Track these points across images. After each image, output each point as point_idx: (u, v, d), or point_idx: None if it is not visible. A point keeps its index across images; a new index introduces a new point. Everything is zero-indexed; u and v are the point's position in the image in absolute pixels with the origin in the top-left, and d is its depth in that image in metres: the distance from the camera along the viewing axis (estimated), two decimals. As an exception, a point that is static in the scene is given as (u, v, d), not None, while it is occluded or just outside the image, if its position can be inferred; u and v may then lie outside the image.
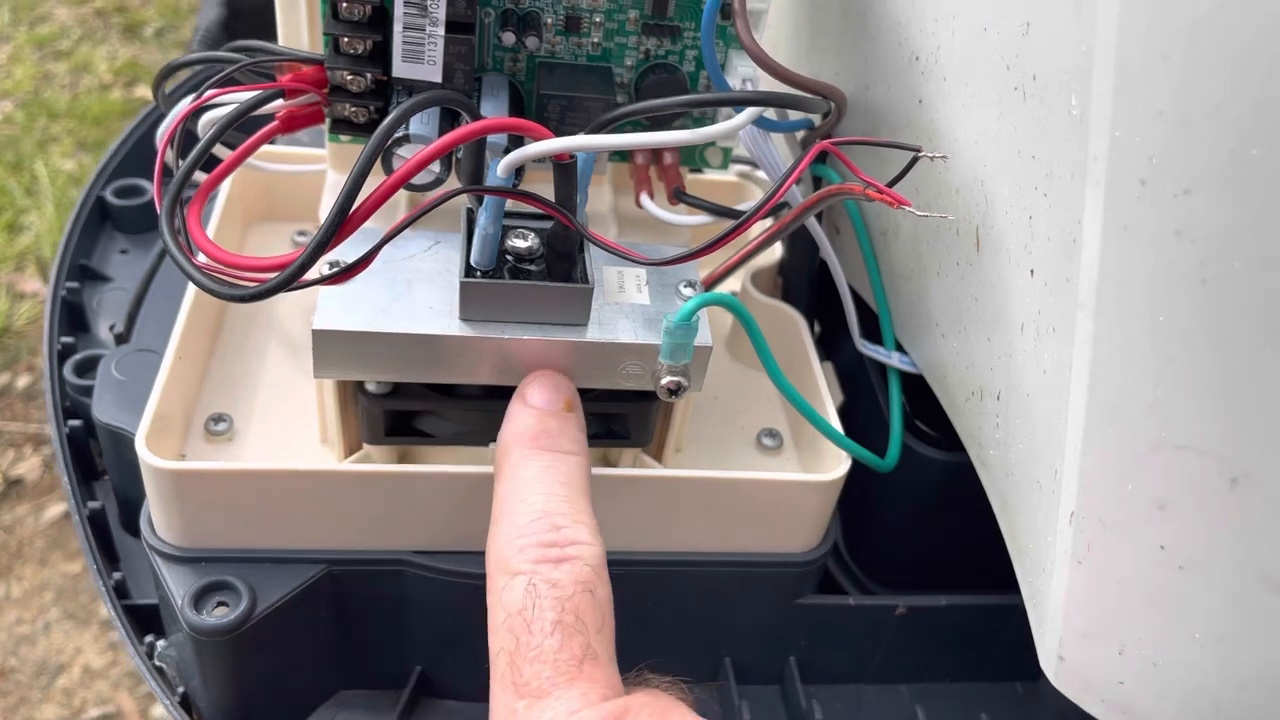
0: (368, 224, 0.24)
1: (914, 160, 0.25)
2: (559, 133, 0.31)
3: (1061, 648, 0.23)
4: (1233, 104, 0.16)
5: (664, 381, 0.28)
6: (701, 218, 0.32)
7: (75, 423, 0.34)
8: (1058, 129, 0.21)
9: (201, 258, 0.26)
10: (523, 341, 0.27)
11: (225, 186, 0.37)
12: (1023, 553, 0.26)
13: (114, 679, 0.80)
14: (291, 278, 0.24)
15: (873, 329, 0.35)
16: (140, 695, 0.79)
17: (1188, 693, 0.22)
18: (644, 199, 0.32)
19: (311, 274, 0.24)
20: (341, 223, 0.24)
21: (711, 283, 0.32)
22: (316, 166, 0.37)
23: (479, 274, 0.27)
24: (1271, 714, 0.22)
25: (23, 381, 1.01)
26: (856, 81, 0.32)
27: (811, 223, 0.34)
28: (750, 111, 0.28)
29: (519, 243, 0.28)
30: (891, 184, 0.26)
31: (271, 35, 0.59)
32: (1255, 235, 0.17)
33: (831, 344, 0.40)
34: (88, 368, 0.35)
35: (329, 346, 0.27)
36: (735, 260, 0.31)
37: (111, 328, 0.38)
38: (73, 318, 0.38)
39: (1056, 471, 0.22)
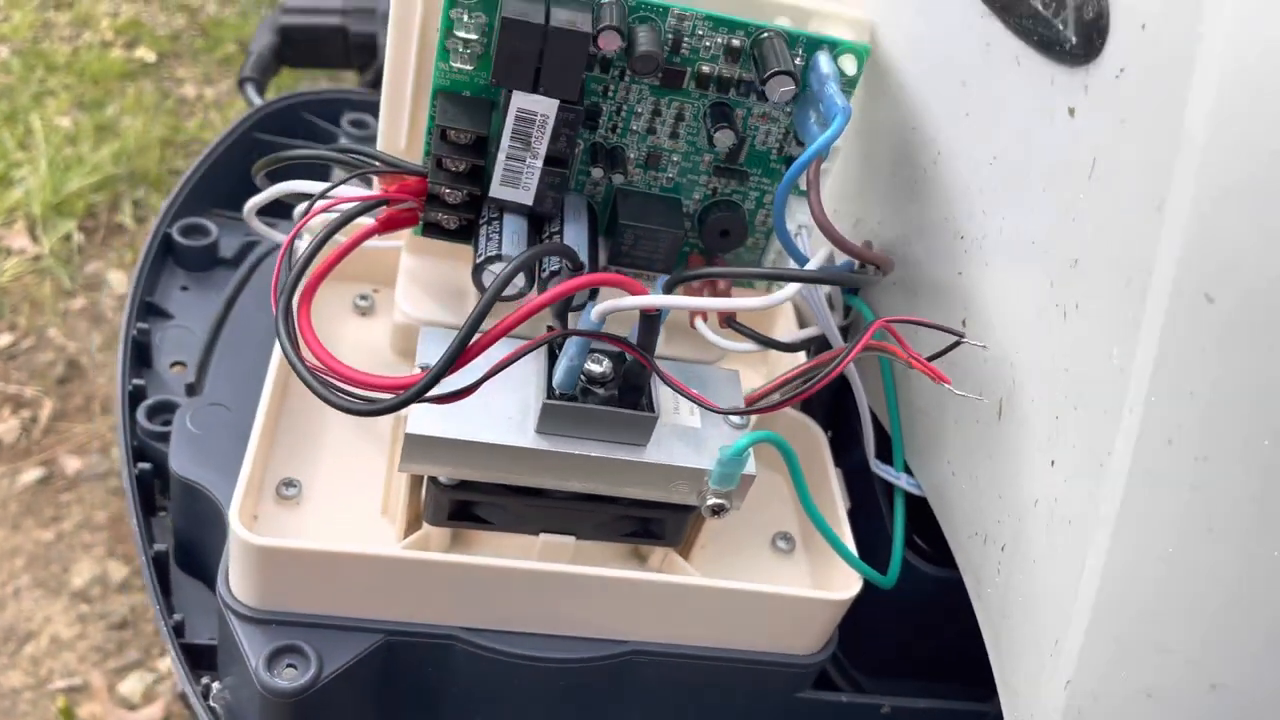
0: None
1: (955, 344, 0.29)
2: (631, 257, 0.34)
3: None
4: (1254, 401, 0.20)
5: (710, 502, 0.31)
6: (748, 345, 0.35)
7: (145, 465, 0.37)
8: (1095, 361, 0.24)
9: (310, 357, 0.28)
10: (589, 458, 0.31)
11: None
12: (1012, 692, 0.30)
13: (81, 652, 0.82)
14: (408, 401, 0.27)
15: (885, 443, 0.38)
16: (108, 670, 0.80)
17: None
18: (699, 323, 0.35)
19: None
20: (460, 354, 0.27)
21: (751, 402, 0.35)
22: (390, 243, 0.40)
23: (559, 394, 0.30)
24: None
25: (4, 340, 1.02)
26: (898, 233, 0.36)
27: (835, 337, 0.37)
28: (811, 269, 0.31)
29: (595, 367, 0.31)
30: (932, 358, 0.30)
31: (317, 62, 0.61)
32: (1259, 506, 0.21)
33: (842, 449, 0.43)
34: (157, 411, 0.38)
35: (418, 447, 0.30)
36: (772, 387, 0.35)
37: (172, 365, 0.41)
38: (140, 355, 0.40)
39: (1057, 642, 0.26)
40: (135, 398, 0.38)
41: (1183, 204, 0.21)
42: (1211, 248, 0.21)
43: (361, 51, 0.58)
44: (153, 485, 0.37)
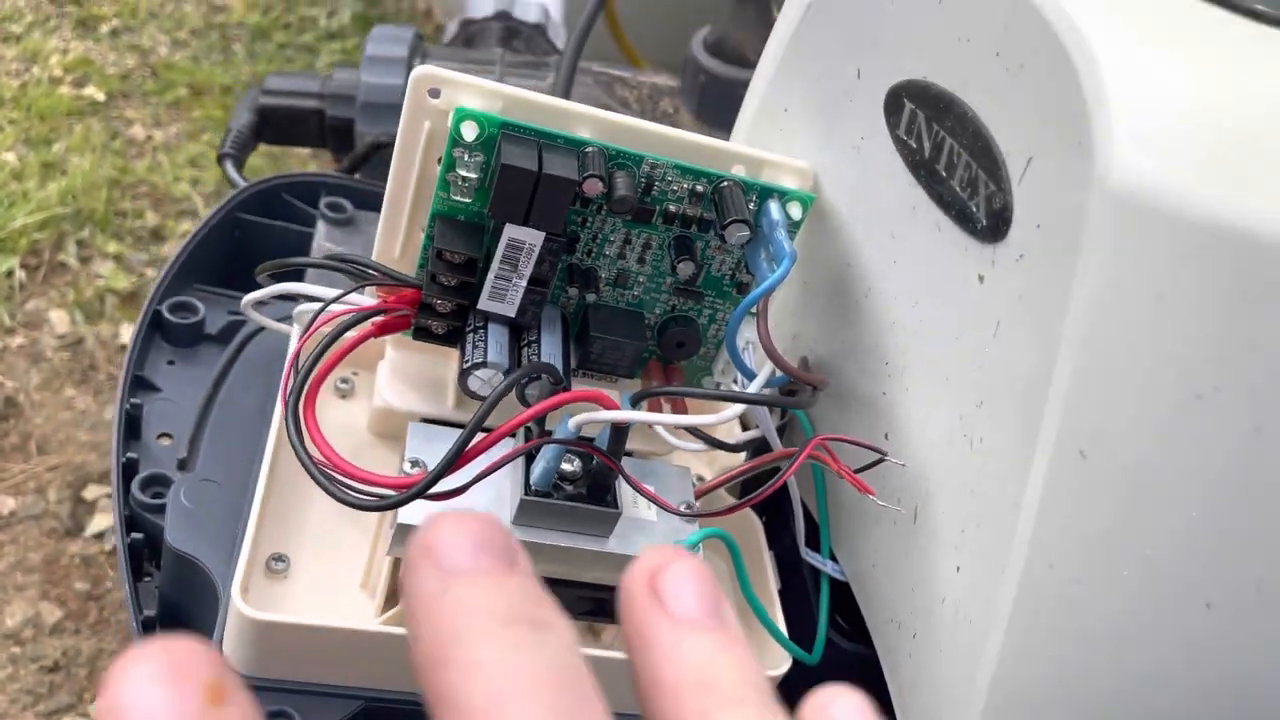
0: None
1: (878, 461, 0.34)
2: (599, 363, 0.38)
3: None
4: (1120, 538, 0.25)
5: (662, 589, 0.36)
6: (698, 445, 0.40)
7: (137, 535, 0.40)
8: (994, 490, 0.29)
9: (314, 452, 0.32)
10: (559, 547, 0.35)
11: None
12: (918, 763, 0.34)
13: (12, 694, 0.82)
14: (411, 499, 0.30)
15: (814, 531, 0.43)
16: (39, 713, 0.81)
17: None
18: (657, 427, 0.39)
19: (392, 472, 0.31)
20: (457, 458, 0.31)
21: (701, 494, 0.40)
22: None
23: (535, 491, 0.34)
24: None
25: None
26: (831, 350, 0.41)
27: (775, 442, 0.42)
28: (754, 392, 0.36)
29: (567, 466, 0.35)
30: (859, 470, 0.35)
31: (294, 141, 0.65)
32: (1121, 624, 0.26)
33: (773, 533, 0.48)
34: (149, 484, 0.41)
35: (406, 535, 0.33)
36: (717, 484, 0.39)
37: (159, 436, 0.44)
38: (131, 428, 0.43)
39: (955, 725, 0.31)
40: (128, 470, 0.41)
41: (1064, 379, 0.26)
42: (1086, 414, 0.26)
43: (336, 135, 0.62)
44: (142, 554, 0.40)
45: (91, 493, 0.95)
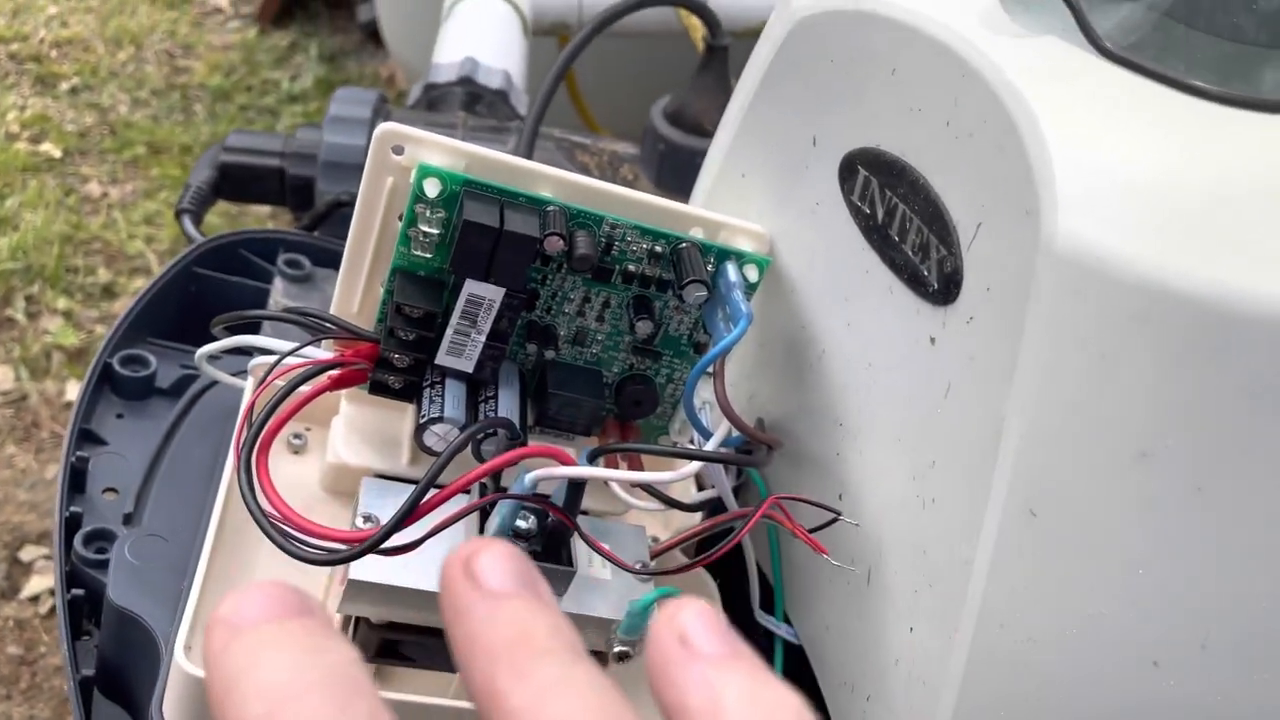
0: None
1: (833, 520, 0.34)
2: (556, 420, 0.38)
3: None
4: (1068, 597, 0.25)
5: (616, 649, 0.35)
6: (654, 504, 0.40)
7: (78, 591, 0.39)
8: (945, 551, 0.30)
9: (266, 505, 0.32)
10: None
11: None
12: (872, 828, 0.34)
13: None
14: (364, 553, 0.30)
15: (768, 593, 0.43)
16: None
17: None
18: (613, 484, 0.39)
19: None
20: (411, 513, 0.30)
21: (656, 553, 0.40)
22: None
23: (488, 549, 0.34)
24: None
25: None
26: (786, 410, 0.41)
27: (730, 502, 0.42)
28: (712, 450, 0.36)
29: (522, 523, 0.35)
30: (814, 530, 0.35)
31: (253, 199, 0.65)
32: (1069, 689, 0.26)
33: (728, 594, 0.48)
34: (92, 539, 0.40)
35: (359, 591, 0.33)
36: (673, 543, 0.39)
37: (104, 491, 0.43)
38: (75, 482, 0.42)
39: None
40: (71, 524, 0.40)
41: (1012, 439, 0.26)
42: (1035, 474, 0.26)
43: (297, 193, 0.62)
44: (82, 611, 0.39)
45: (28, 554, 0.92)
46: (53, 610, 0.87)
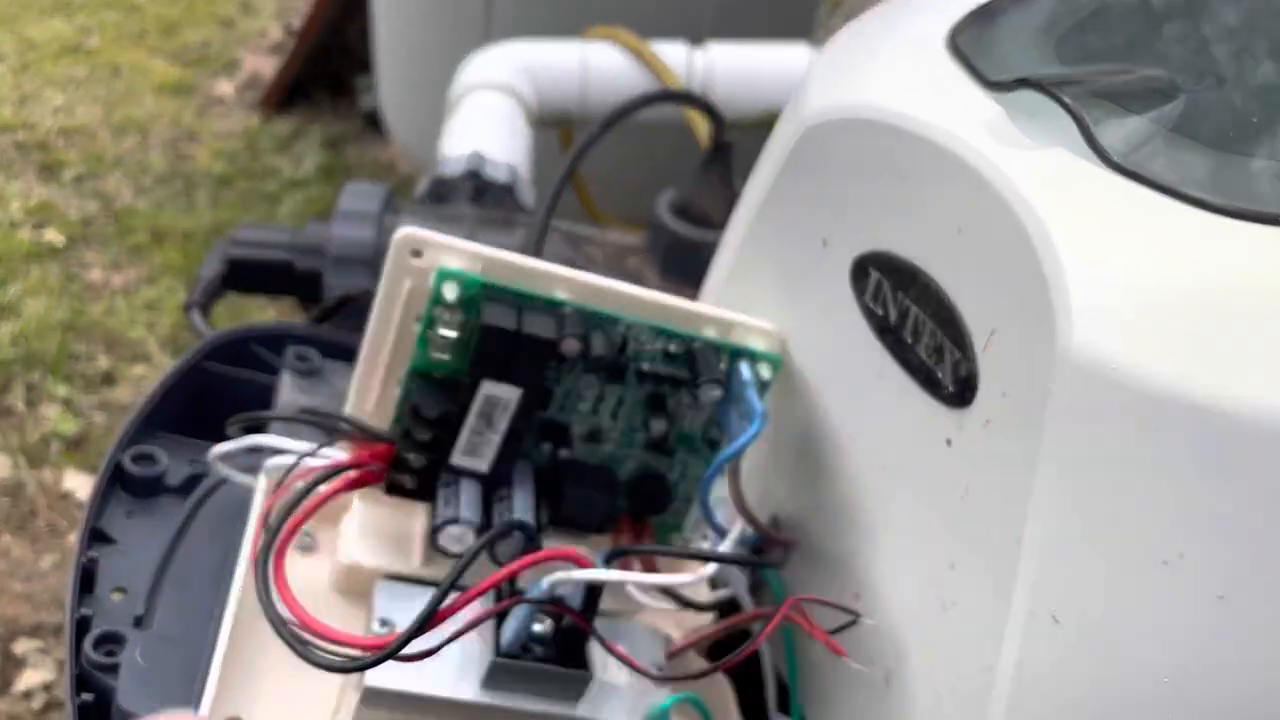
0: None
1: (852, 622, 0.34)
2: (570, 519, 0.38)
3: None
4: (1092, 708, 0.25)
5: (634, 756, 0.35)
6: (668, 604, 0.39)
7: (88, 696, 0.38)
8: (967, 655, 0.29)
9: (284, 611, 0.32)
10: (528, 711, 0.34)
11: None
12: None
13: None
14: (383, 660, 0.30)
15: (784, 692, 0.42)
16: None
17: None
18: (629, 587, 0.39)
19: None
20: (430, 619, 0.30)
21: (671, 655, 0.39)
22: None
23: (505, 653, 0.34)
24: None
25: None
26: (801, 508, 0.41)
27: (746, 602, 0.42)
28: (726, 550, 0.36)
29: (538, 627, 0.35)
30: (833, 632, 0.35)
31: (261, 291, 0.65)
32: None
33: (743, 695, 0.47)
34: (102, 641, 0.39)
35: (376, 700, 0.33)
36: (688, 644, 0.39)
37: (113, 591, 0.43)
38: (86, 581, 0.42)
39: None
40: (81, 626, 0.40)
41: (1034, 543, 0.26)
42: (1057, 579, 0.26)
43: (305, 285, 0.63)
44: (91, 715, 0.39)
45: (22, 647, 0.91)
46: (47, 706, 0.86)
